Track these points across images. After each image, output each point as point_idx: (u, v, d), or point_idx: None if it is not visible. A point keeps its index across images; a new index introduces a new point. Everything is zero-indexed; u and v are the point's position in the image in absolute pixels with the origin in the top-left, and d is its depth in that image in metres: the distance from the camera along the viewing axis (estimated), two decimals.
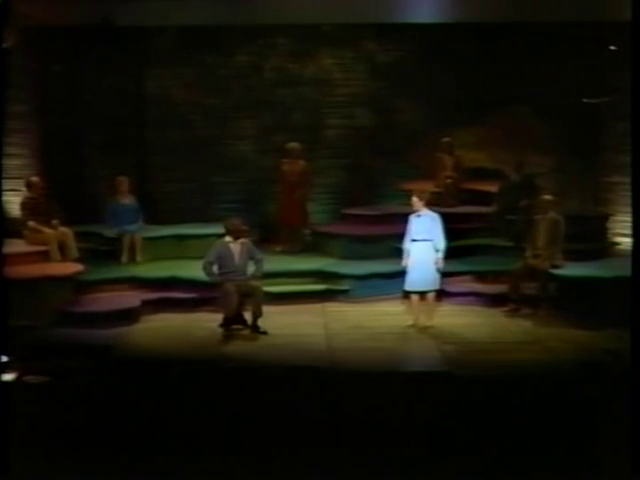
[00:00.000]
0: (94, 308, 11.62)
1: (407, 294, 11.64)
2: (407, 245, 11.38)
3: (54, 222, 12.42)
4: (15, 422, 7.35)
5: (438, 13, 13.70)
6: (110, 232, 13.30)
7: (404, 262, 11.39)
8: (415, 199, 11.38)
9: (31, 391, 8.95)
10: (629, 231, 9.19)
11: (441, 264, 11.26)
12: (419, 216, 11.34)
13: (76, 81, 14.54)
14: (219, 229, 11.90)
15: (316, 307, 12.34)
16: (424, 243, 11.26)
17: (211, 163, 14.95)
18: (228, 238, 11.33)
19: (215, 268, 11.21)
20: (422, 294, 11.39)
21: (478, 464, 7.13)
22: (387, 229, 13.13)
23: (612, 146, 14.22)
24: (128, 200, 13.32)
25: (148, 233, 13.34)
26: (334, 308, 12.36)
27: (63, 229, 12.43)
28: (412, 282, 11.37)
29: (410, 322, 11.48)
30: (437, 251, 11.23)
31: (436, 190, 13.92)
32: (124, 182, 13.32)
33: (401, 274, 11.65)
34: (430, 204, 11.65)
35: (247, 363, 10.24)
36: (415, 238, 11.31)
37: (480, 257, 13.31)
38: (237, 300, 11.06)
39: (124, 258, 13.06)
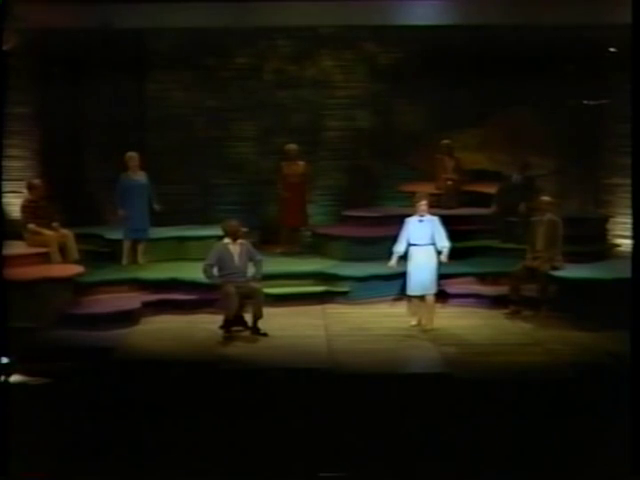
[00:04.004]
0: (95, 310, 11.61)
1: (408, 296, 11.64)
2: (401, 247, 11.35)
3: (55, 224, 12.43)
4: (15, 423, 7.36)
5: (438, 15, 13.70)
6: (111, 234, 13.34)
7: (391, 263, 11.36)
8: (424, 202, 11.37)
9: (31, 392, 8.95)
10: (629, 233, 9.21)
11: (446, 260, 11.25)
12: (421, 221, 11.33)
13: (76, 83, 14.55)
14: (219, 231, 11.90)
15: (316, 309, 12.35)
16: (426, 247, 11.27)
17: (212, 165, 14.97)
18: (227, 240, 11.34)
19: (215, 270, 11.22)
20: (423, 297, 11.41)
21: (479, 465, 7.14)
22: (387, 231, 13.08)
23: (612, 148, 14.24)
24: (138, 176, 13.12)
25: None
26: (334, 310, 12.36)
27: (64, 231, 12.43)
28: (414, 286, 11.36)
29: (413, 322, 11.49)
30: (440, 252, 11.23)
31: (436, 192, 13.94)
32: (134, 158, 13.11)
33: (401, 276, 11.66)
34: (430, 206, 11.66)
35: (247, 365, 10.24)
36: (416, 243, 11.30)
37: (480, 259, 13.31)
38: (237, 302, 11.07)
39: (125, 260, 13.07)
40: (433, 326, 11.33)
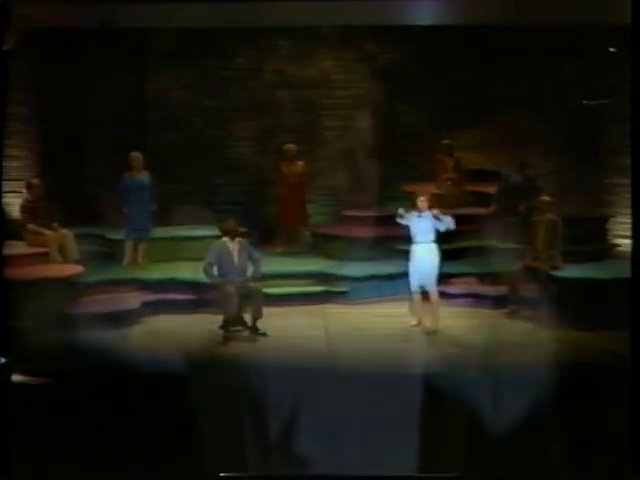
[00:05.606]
0: (94, 310, 11.62)
1: (410, 295, 11.62)
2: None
3: (54, 224, 12.43)
4: (15, 423, 7.37)
5: (438, 15, 13.71)
6: (112, 234, 13.35)
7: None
8: (422, 198, 11.38)
9: (30, 393, 8.95)
10: (629, 233, 9.20)
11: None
12: (420, 217, 11.35)
13: (76, 83, 14.55)
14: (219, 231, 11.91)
15: (316, 309, 12.35)
16: (426, 245, 11.29)
17: (211, 165, 14.97)
18: (225, 238, 11.36)
19: (215, 269, 11.22)
20: (425, 294, 11.39)
21: (478, 464, 7.15)
22: (387, 231, 13.13)
23: (612, 148, 14.24)
24: (141, 176, 13.16)
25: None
26: (334, 310, 12.36)
27: (63, 231, 12.44)
28: (415, 283, 11.37)
29: (413, 322, 11.49)
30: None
31: (436, 192, 13.94)
32: (138, 158, 13.17)
33: (401, 276, 11.66)
34: (430, 206, 11.65)
35: (247, 365, 10.24)
36: (417, 240, 11.33)
37: (480, 259, 13.30)
38: (237, 302, 11.07)
39: (126, 260, 13.07)
40: (438, 328, 11.30)
